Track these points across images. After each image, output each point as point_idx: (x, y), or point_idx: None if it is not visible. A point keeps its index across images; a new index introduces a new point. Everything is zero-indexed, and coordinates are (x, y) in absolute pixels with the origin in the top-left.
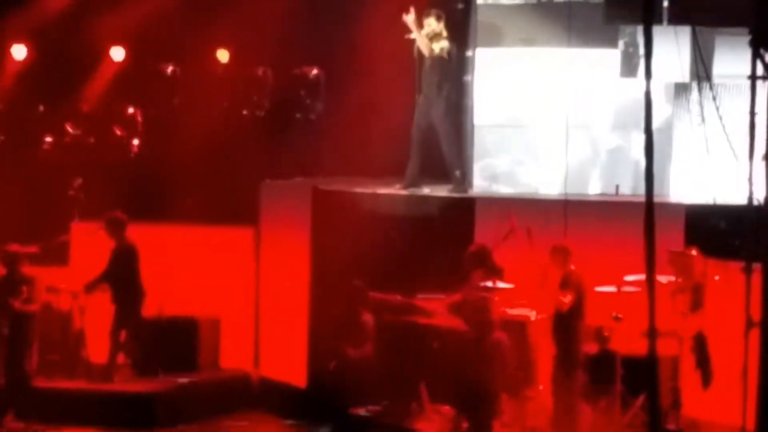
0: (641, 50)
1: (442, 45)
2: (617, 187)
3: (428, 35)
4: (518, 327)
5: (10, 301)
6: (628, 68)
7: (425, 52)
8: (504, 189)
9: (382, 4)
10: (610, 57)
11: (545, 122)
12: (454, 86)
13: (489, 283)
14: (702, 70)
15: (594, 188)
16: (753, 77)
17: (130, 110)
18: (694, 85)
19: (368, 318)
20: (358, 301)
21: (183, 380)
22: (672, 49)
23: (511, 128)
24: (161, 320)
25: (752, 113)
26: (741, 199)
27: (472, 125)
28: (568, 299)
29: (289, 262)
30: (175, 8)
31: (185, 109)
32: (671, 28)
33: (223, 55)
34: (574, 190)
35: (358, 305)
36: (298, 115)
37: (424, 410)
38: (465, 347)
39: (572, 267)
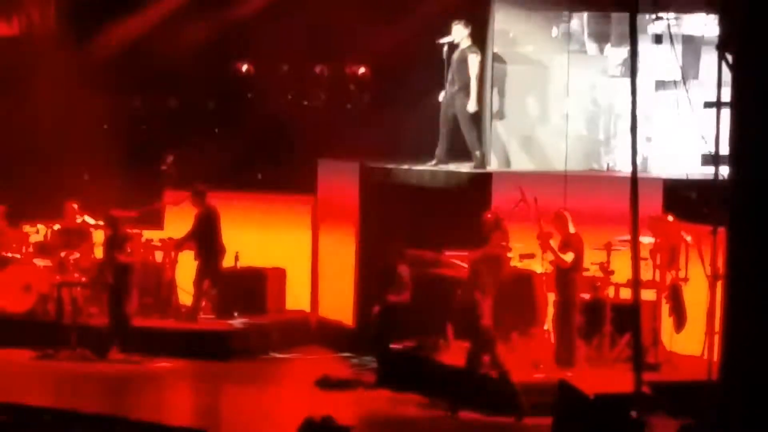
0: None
1: (470, 49)
2: (608, 165)
3: (454, 43)
4: (526, 278)
5: (116, 254)
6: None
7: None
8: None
9: (420, 13)
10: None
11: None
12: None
13: (503, 243)
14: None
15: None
16: (719, 77)
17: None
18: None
19: (405, 270)
20: (396, 256)
21: (254, 321)
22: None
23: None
24: (237, 272)
25: (718, 105)
26: (709, 174)
27: (492, 117)
28: (569, 257)
29: (341, 225)
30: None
31: (258, 101)
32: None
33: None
34: (576, 167)
35: (397, 260)
36: (348, 106)
37: (449, 345)
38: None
39: (572, 230)
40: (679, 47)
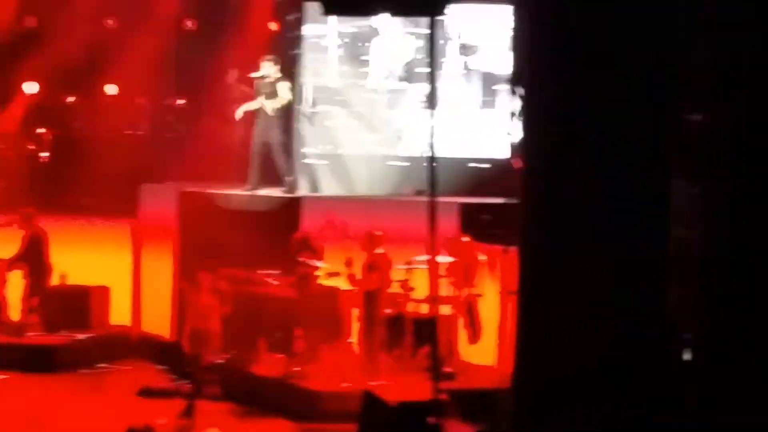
0: None
1: (280, 82)
2: (417, 190)
3: (264, 77)
4: (332, 295)
5: None
6: None
7: (267, 110)
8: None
9: (230, 50)
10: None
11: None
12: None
13: (311, 262)
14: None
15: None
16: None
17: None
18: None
19: (221, 287)
20: (213, 274)
21: (79, 335)
22: None
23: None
24: (63, 290)
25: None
26: (500, 200)
27: (300, 145)
28: (374, 277)
29: (160, 246)
30: (76, 51)
31: (84, 130)
32: None
33: (111, 89)
34: (382, 191)
35: (213, 278)
36: (168, 135)
37: (262, 358)
38: (292, 310)
39: (378, 251)
40: (479, 82)
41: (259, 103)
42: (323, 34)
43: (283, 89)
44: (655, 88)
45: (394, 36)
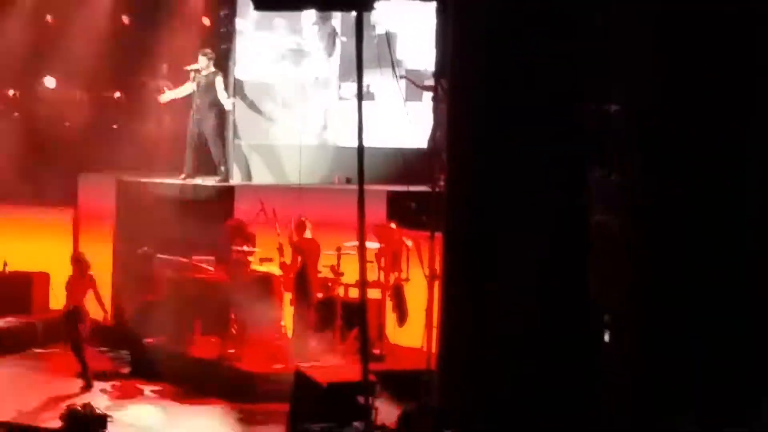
0: None
1: (215, 74)
2: (347, 178)
3: (199, 70)
4: (266, 279)
5: None
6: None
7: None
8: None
9: (165, 44)
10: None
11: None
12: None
13: (245, 248)
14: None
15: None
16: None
17: None
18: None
19: (158, 273)
20: (149, 260)
21: (21, 319)
22: None
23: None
24: (4, 276)
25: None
26: (426, 188)
27: (234, 135)
28: (300, 261)
29: (99, 233)
30: (18, 44)
31: (24, 122)
32: None
33: (50, 82)
34: (313, 180)
35: (150, 264)
36: (114, 126)
37: (197, 341)
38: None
39: (307, 236)
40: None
41: (189, 90)
42: (254, 28)
43: (218, 82)
44: (573, 85)
45: (324, 30)
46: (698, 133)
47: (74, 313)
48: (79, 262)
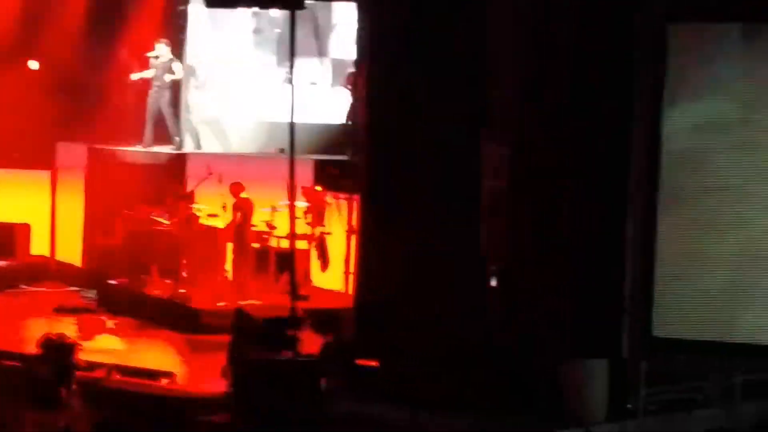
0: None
1: (172, 59)
2: (281, 149)
3: (157, 56)
4: (212, 232)
5: None
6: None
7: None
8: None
9: (130, 32)
10: None
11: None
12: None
13: (193, 206)
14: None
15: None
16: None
17: None
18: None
19: (119, 224)
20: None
21: (6, 262)
22: None
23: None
24: None
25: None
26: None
27: (186, 111)
28: (244, 217)
29: (74, 192)
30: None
31: (10, 98)
32: None
33: (34, 64)
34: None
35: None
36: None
37: (154, 282)
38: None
39: (244, 196)
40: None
41: (152, 74)
42: (208, 16)
43: (175, 67)
44: (471, 75)
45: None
46: (567, 112)
47: None
48: None
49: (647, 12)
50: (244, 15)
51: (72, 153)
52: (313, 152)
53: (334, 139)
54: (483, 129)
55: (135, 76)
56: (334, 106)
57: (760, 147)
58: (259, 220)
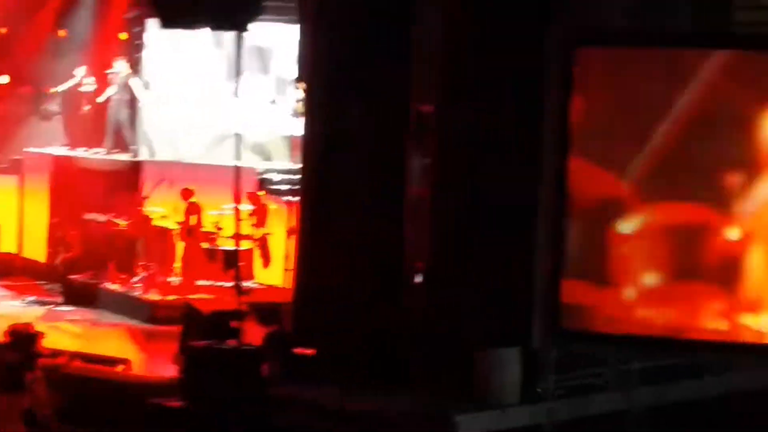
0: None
1: (129, 75)
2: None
3: (117, 73)
4: (164, 232)
5: None
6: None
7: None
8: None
9: (92, 53)
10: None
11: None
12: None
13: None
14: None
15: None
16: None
17: None
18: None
19: (77, 237)
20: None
21: None
22: None
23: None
24: None
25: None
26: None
27: (142, 122)
28: (194, 219)
29: (39, 196)
30: None
31: None
32: None
33: (3, 79)
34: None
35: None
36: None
37: (112, 277)
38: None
39: (194, 201)
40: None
41: (113, 90)
42: (165, 39)
43: (133, 83)
44: (399, 94)
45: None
46: (479, 126)
47: None
48: None
49: (556, 32)
50: (201, 33)
51: (38, 159)
52: (258, 161)
53: (276, 149)
54: (408, 142)
55: (101, 99)
56: (276, 119)
57: None
58: (208, 222)
